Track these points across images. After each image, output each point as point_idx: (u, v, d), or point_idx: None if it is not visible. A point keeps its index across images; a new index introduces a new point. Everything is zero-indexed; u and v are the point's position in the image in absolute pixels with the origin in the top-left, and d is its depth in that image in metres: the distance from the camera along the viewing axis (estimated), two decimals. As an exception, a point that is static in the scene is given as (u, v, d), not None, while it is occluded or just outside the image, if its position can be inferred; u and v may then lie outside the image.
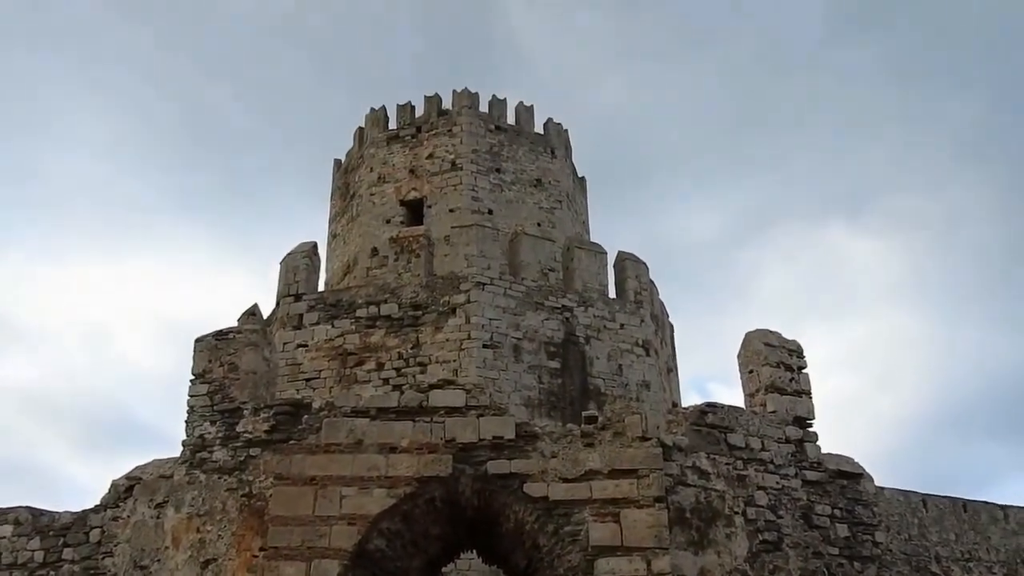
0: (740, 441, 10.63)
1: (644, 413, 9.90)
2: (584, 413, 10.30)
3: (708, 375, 65.69)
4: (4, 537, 10.63)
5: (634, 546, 9.06)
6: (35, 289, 57.57)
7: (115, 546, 10.34)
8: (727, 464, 10.39)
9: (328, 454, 9.72)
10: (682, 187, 68.55)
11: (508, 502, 9.57)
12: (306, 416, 10.18)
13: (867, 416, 54.36)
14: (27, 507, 10.91)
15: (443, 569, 12.48)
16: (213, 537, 10.17)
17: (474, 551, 11.68)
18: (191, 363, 11.21)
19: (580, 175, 24.51)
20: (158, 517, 10.41)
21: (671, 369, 20.00)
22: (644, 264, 18.88)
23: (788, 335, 11.98)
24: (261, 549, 9.72)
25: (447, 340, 16.30)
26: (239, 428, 10.63)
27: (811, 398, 11.57)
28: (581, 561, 9.11)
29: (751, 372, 11.80)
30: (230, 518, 10.21)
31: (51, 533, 10.60)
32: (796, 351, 11.85)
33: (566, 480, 9.44)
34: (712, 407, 10.78)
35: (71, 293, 57.81)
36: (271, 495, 9.80)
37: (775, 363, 11.58)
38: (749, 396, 11.79)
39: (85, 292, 57.58)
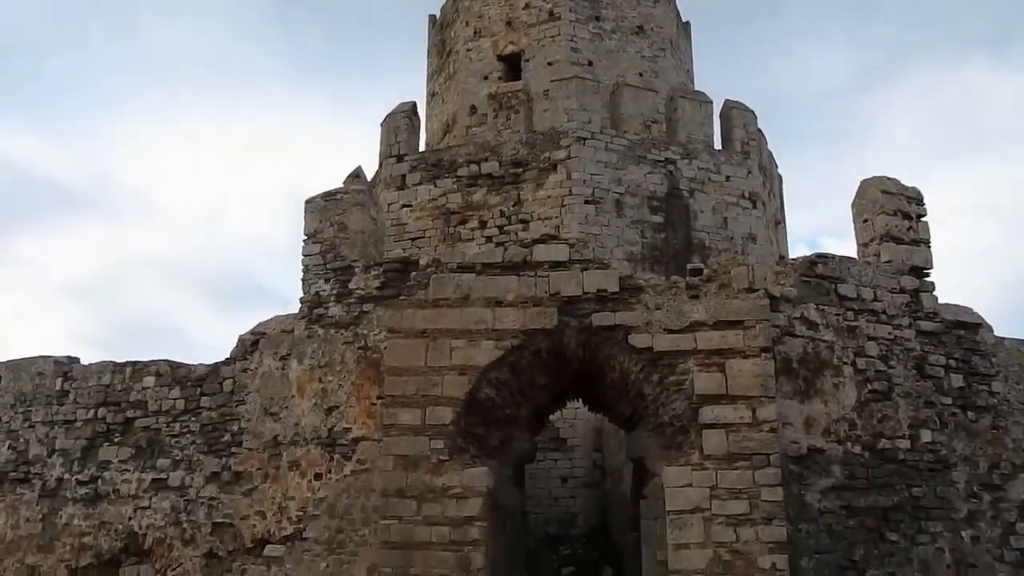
0: (851, 292, 10.36)
1: (751, 265, 9.74)
2: (689, 265, 10.21)
3: (820, 229, 63.34)
4: (148, 387, 11.58)
5: (739, 395, 9.13)
6: (156, 158, 60.05)
7: (246, 395, 11.14)
8: (837, 315, 10.20)
9: (437, 308, 10.02)
10: (798, 31, 64.11)
11: (613, 353, 9.74)
12: (414, 273, 10.47)
13: (1002, 266, 51.45)
14: (166, 360, 11.80)
15: (550, 417, 12.98)
16: (334, 387, 10.82)
17: (580, 400, 12.06)
18: (303, 224, 11.62)
19: (684, 20, 23.26)
20: (283, 369, 11.11)
21: (779, 222, 19.46)
22: (752, 113, 18.07)
23: (916, 183, 11.35)
24: (379, 397, 10.30)
25: (548, 197, 16.26)
26: (351, 285, 11.08)
27: (929, 247, 11.08)
28: (686, 409, 9.28)
29: (865, 221, 11.34)
30: (348, 369, 10.81)
31: (189, 384, 11.47)
32: (915, 198, 11.27)
33: (671, 331, 9.48)
34: (822, 258, 10.49)
35: (188, 158, 60.00)
36: (385, 347, 10.26)
37: (892, 211, 11.07)
38: (863, 246, 11.39)
39: (201, 156, 59.66)
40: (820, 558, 9.18)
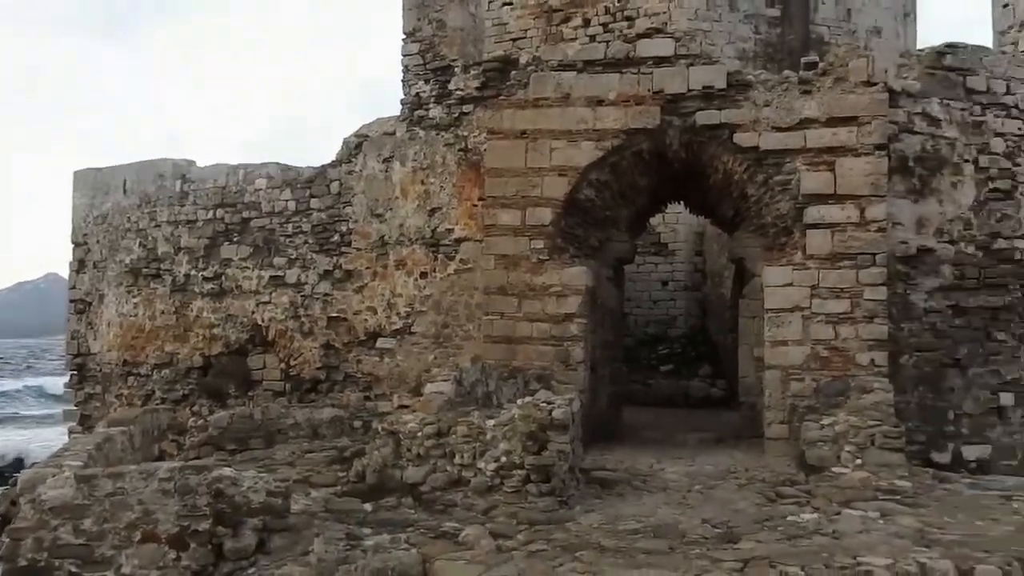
0: (981, 84, 9.57)
1: (871, 56, 9.08)
2: (803, 59, 9.61)
3: (967, 22, 57.77)
4: (260, 189, 12.08)
5: (847, 194, 8.83)
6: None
7: (353, 196, 11.50)
8: (962, 110, 9.51)
9: (537, 108, 9.87)
10: None
11: (716, 153, 9.48)
12: (514, 72, 10.28)
13: None
14: (276, 163, 12.21)
15: (651, 222, 12.95)
16: (436, 188, 11.03)
17: (681, 203, 11.93)
18: (401, 23, 11.44)
19: None
20: (387, 171, 11.36)
21: (908, 13, 17.87)
22: None
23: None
24: (480, 199, 10.46)
25: (655, -10, 15.34)
26: (451, 86, 11.01)
27: (1079, 31, 10.04)
28: (791, 209, 9.06)
29: (1006, 6, 10.31)
30: (450, 171, 10.96)
31: (298, 186, 11.90)
32: (1068, -24, 10.09)
33: (779, 129, 9.11)
34: (952, 48, 9.65)
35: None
36: (485, 149, 10.29)
37: (1039, -8, 9.99)
38: (1000, 34, 10.42)
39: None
40: (921, 356, 9.13)
